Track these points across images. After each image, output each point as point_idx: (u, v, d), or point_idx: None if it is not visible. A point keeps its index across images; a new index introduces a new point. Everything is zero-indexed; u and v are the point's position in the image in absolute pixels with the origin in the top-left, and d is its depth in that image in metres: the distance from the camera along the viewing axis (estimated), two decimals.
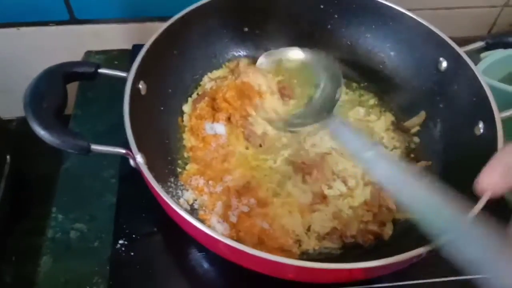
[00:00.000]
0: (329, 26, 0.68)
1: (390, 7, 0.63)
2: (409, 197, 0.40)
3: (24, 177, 0.86)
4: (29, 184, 0.84)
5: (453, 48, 0.58)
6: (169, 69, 0.61)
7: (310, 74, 0.66)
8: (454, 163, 0.56)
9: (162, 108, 0.60)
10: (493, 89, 0.55)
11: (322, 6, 0.66)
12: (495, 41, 0.57)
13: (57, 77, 0.47)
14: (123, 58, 0.80)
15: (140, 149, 0.46)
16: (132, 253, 0.53)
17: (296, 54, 0.67)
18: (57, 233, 0.58)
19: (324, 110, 0.60)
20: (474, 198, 0.43)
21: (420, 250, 0.40)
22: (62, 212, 0.60)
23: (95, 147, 0.45)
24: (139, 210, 0.57)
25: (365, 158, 0.47)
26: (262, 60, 0.67)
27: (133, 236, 0.54)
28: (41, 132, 0.42)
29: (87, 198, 0.61)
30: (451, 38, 0.59)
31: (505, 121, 0.51)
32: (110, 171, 0.64)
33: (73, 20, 0.78)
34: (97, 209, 0.60)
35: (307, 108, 0.63)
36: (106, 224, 0.58)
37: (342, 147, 0.58)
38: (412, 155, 0.62)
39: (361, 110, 0.65)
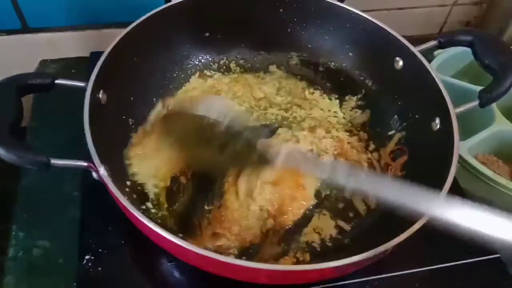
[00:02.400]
0: (289, 30, 0.69)
1: (347, 9, 0.64)
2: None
3: None
4: None
5: (408, 48, 0.60)
6: (130, 77, 0.60)
7: None
8: (415, 157, 0.58)
9: (124, 117, 0.59)
10: (447, 84, 0.58)
11: (281, 10, 0.67)
12: (446, 40, 0.59)
13: (11, 90, 0.45)
14: (80, 66, 0.78)
15: (103, 161, 0.45)
16: (99, 268, 0.51)
17: None
18: (19, 252, 0.56)
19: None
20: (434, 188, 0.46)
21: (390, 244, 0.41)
22: (23, 229, 0.58)
23: (55, 161, 0.43)
24: (104, 222, 0.56)
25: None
26: None
27: (100, 250, 0.53)
28: None
29: (49, 214, 0.59)
30: (405, 37, 0.61)
31: (460, 116, 0.54)
32: (72, 184, 0.62)
33: (26, 29, 0.75)
34: (60, 224, 0.58)
35: None
36: (70, 240, 0.56)
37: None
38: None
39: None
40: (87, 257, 0.52)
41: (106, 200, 0.45)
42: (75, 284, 0.52)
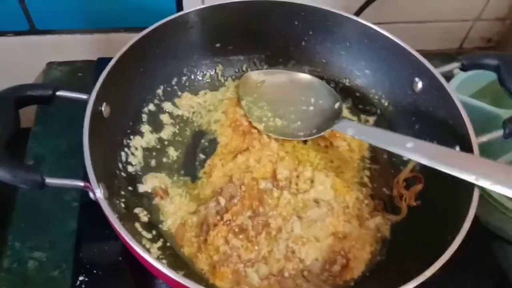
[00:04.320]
0: (303, 43, 0.66)
1: (365, 25, 0.61)
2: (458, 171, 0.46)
3: None
4: None
5: (428, 69, 0.57)
6: (134, 88, 0.58)
7: (295, 93, 0.65)
8: (431, 186, 0.55)
9: (128, 131, 0.57)
10: (467, 106, 0.54)
11: (296, 23, 0.64)
12: (470, 63, 0.56)
13: (8, 102, 0.43)
14: (87, 70, 0.77)
15: (102, 179, 0.43)
16: None
17: (281, 76, 0.66)
18: (13, 263, 0.55)
19: (325, 120, 0.60)
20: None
21: None
22: (19, 239, 0.56)
23: (50, 180, 0.41)
24: (102, 238, 0.54)
25: (407, 149, 0.50)
26: (250, 76, 0.66)
27: (94, 271, 0.51)
28: None
29: (46, 224, 0.58)
30: (423, 51, 0.58)
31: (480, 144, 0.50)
32: (72, 193, 0.60)
33: (34, 30, 0.74)
34: (58, 236, 0.57)
35: (303, 122, 0.62)
36: (67, 252, 0.55)
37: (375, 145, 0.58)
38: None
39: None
40: (80, 278, 0.50)
41: (105, 215, 0.43)
42: None
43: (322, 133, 0.60)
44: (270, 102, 0.64)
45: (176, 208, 0.54)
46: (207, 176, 0.57)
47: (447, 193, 0.50)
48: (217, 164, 0.58)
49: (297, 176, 0.57)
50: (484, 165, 0.47)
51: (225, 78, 0.67)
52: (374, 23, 0.61)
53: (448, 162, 0.48)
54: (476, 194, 0.45)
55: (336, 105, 0.62)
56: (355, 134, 0.56)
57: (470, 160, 0.48)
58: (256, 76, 0.66)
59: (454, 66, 0.57)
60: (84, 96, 0.48)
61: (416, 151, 0.50)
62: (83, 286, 0.50)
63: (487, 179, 0.45)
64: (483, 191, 0.59)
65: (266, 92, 0.65)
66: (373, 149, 0.62)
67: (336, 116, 0.61)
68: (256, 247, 0.50)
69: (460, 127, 0.52)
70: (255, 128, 0.62)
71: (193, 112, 0.64)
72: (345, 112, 0.66)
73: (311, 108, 0.63)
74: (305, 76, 0.66)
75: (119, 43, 0.54)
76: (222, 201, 0.53)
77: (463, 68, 0.57)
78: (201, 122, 0.64)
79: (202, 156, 0.60)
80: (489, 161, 0.48)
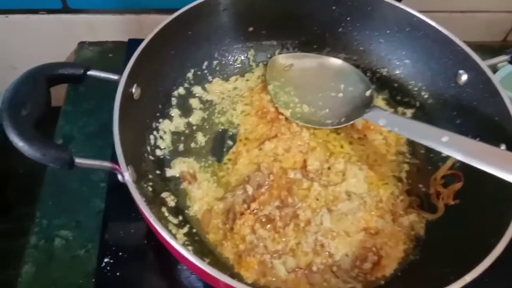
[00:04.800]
0: (340, 29, 0.63)
1: (408, 12, 0.58)
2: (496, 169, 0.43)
3: (6, 174, 0.82)
4: (13, 181, 0.81)
5: (474, 61, 0.53)
6: (165, 71, 0.56)
7: (324, 78, 0.63)
8: (471, 184, 0.52)
9: (158, 114, 0.56)
10: None
11: (334, 7, 0.61)
12: None
13: (40, 80, 0.42)
14: (118, 51, 0.76)
15: (130, 162, 0.42)
16: (118, 273, 0.49)
17: (310, 61, 0.64)
18: (40, 240, 0.55)
19: (355, 109, 0.58)
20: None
21: None
22: (47, 217, 0.57)
23: (79, 160, 0.41)
24: (128, 221, 0.53)
25: (442, 144, 0.47)
26: (277, 59, 0.64)
27: (120, 254, 0.50)
28: (19, 144, 0.38)
29: (73, 203, 0.58)
30: (465, 42, 0.55)
31: None
32: (99, 174, 0.60)
33: (66, 9, 0.73)
34: (84, 215, 0.57)
35: (332, 110, 0.60)
36: (93, 232, 0.55)
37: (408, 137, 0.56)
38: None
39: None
40: (106, 260, 0.50)
41: (132, 198, 0.42)
42: (93, 280, 0.50)
43: (351, 122, 0.58)
44: (297, 87, 0.62)
45: (203, 194, 0.53)
46: (233, 163, 0.56)
47: (489, 193, 0.47)
48: (242, 151, 0.57)
49: (328, 168, 0.55)
50: None
51: (257, 63, 0.66)
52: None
53: (485, 159, 0.45)
54: None
55: (368, 93, 0.60)
56: (387, 125, 0.53)
57: (509, 158, 0.45)
58: (284, 59, 0.64)
59: (502, 59, 0.54)
60: (115, 77, 0.47)
61: (451, 146, 0.47)
62: (108, 267, 0.50)
63: None
64: None
65: (294, 77, 0.63)
66: (411, 144, 0.59)
67: (367, 104, 0.58)
68: (284, 239, 0.49)
69: (507, 123, 0.49)
70: (282, 114, 0.60)
71: (223, 98, 0.63)
72: (381, 104, 0.63)
73: (341, 95, 0.61)
74: (335, 61, 0.64)
75: (150, 25, 0.54)
76: (250, 189, 0.52)
77: None
78: (227, 110, 0.62)
79: (230, 142, 0.59)
80: None
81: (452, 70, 0.56)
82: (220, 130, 0.60)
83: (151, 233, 0.43)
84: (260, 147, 0.56)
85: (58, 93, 0.69)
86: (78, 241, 0.55)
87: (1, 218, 0.77)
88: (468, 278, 0.37)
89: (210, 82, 0.63)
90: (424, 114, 0.60)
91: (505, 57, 0.54)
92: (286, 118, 0.59)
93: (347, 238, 0.49)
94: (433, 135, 0.49)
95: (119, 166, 0.41)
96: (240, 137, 0.58)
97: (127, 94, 0.47)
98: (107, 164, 0.42)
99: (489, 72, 0.52)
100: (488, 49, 0.83)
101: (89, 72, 0.46)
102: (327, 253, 0.48)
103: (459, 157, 0.46)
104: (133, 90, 0.49)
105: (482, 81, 0.53)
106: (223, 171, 0.56)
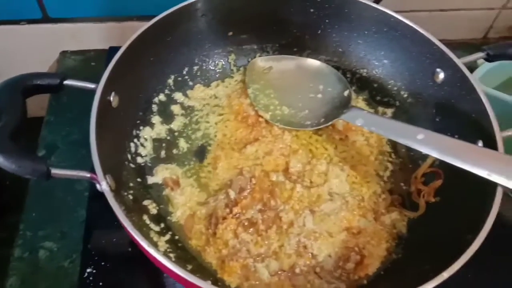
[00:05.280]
0: (319, 31, 0.63)
1: (385, 12, 0.58)
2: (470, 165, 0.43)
3: None
4: (2, 190, 0.80)
5: (451, 59, 0.54)
6: (145, 78, 0.56)
7: (303, 80, 0.63)
8: (451, 181, 0.52)
9: (138, 122, 0.56)
10: (491, 98, 0.51)
11: (312, 10, 0.62)
12: (496, 53, 0.53)
13: (16, 91, 0.42)
14: (100, 59, 0.76)
15: (109, 170, 0.42)
16: (101, 283, 0.49)
17: (289, 62, 0.64)
18: (24, 253, 0.55)
19: (334, 109, 0.58)
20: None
21: None
22: (31, 229, 0.56)
23: (56, 171, 0.40)
24: (110, 230, 0.52)
25: (418, 141, 0.48)
26: (256, 62, 0.64)
27: (102, 263, 0.50)
28: None
29: (58, 213, 0.58)
30: (445, 41, 0.55)
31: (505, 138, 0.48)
32: (83, 183, 0.60)
33: (47, 19, 0.73)
34: (69, 226, 0.56)
35: (311, 111, 0.60)
36: (77, 242, 0.54)
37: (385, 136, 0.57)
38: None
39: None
40: (88, 270, 0.50)
41: None
42: None
43: (330, 123, 0.58)
44: (277, 89, 0.62)
45: (186, 199, 0.53)
46: (213, 167, 0.56)
47: (468, 189, 0.47)
48: (220, 156, 0.56)
49: (311, 170, 0.55)
50: (498, 159, 0.44)
51: (238, 68, 0.66)
52: (394, 11, 0.58)
53: (460, 156, 0.45)
54: (499, 191, 0.43)
55: (346, 93, 0.60)
56: (364, 125, 0.54)
57: (484, 154, 0.45)
58: (263, 62, 0.65)
59: (478, 56, 0.55)
60: (92, 85, 0.47)
61: (427, 143, 0.48)
62: (91, 278, 0.49)
63: (501, 175, 0.42)
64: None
65: (273, 79, 0.63)
66: (393, 144, 0.60)
67: (345, 104, 0.59)
68: (266, 242, 0.49)
69: (484, 120, 0.50)
70: (262, 117, 0.60)
71: (204, 105, 0.62)
72: (362, 104, 0.64)
73: (319, 95, 0.61)
74: (313, 62, 0.64)
75: (132, 32, 0.53)
76: (232, 193, 0.52)
77: (488, 59, 0.55)
78: (201, 122, 0.61)
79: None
80: (504, 155, 0.45)
81: (430, 69, 0.57)
82: (199, 145, 0.59)
83: (133, 242, 0.43)
84: (241, 151, 0.56)
85: (41, 103, 0.69)
86: (62, 252, 0.54)
87: None
88: (446, 274, 0.37)
89: (191, 88, 0.63)
90: (404, 113, 0.61)
91: (481, 54, 0.54)
92: (267, 121, 0.59)
93: (330, 239, 0.49)
94: (409, 133, 0.49)
95: (96, 175, 0.41)
96: (217, 141, 0.58)
97: (104, 102, 0.47)
98: (84, 173, 0.42)
99: (465, 70, 0.53)
100: (469, 46, 0.84)
101: (65, 82, 0.46)
102: (310, 254, 0.48)
103: (434, 154, 0.47)
104: (111, 98, 0.49)
105: (459, 79, 0.53)
106: (205, 173, 0.56)
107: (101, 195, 0.42)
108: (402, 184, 0.57)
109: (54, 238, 0.55)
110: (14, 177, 0.77)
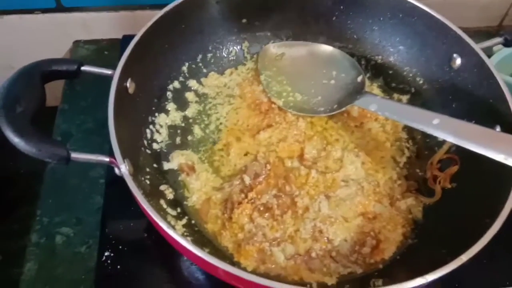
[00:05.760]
0: (334, 18, 0.63)
1: None
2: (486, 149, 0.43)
3: (9, 174, 0.82)
4: (15, 182, 0.81)
5: (468, 44, 0.53)
6: (159, 65, 0.57)
7: (315, 66, 0.63)
8: (468, 167, 0.52)
9: (153, 109, 0.56)
10: (509, 86, 0.51)
11: None
12: None
13: (34, 77, 0.42)
14: (113, 48, 0.76)
15: (127, 155, 0.42)
16: (118, 267, 0.49)
17: (301, 49, 0.64)
18: (41, 238, 0.55)
19: (347, 95, 0.58)
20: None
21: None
22: (47, 215, 0.57)
23: (75, 155, 0.41)
24: (127, 215, 0.53)
25: (433, 126, 0.47)
26: (269, 49, 0.64)
27: (120, 247, 0.51)
28: (15, 140, 0.38)
29: (73, 200, 0.58)
30: (461, 28, 0.55)
31: None
32: (98, 170, 0.60)
33: (60, 8, 0.73)
34: (84, 212, 0.57)
35: (324, 97, 0.60)
36: (93, 228, 0.55)
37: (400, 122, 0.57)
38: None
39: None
40: (106, 253, 0.50)
41: (130, 191, 0.42)
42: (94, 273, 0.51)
43: (343, 109, 0.58)
44: (290, 76, 0.62)
45: (202, 184, 0.53)
46: (226, 153, 0.56)
47: (485, 175, 0.47)
48: (232, 142, 0.56)
49: (326, 156, 0.55)
50: None
51: (252, 55, 0.65)
52: None
53: (475, 140, 0.45)
54: None
55: (359, 79, 0.60)
56: (378, 110, 0.53)
57: (500, 138, 0.45)
58: (275, 49, 0.64)
59: (496, 41, 0.54)
60: (109, 72, 0.47)
61: (442, 128, 0.47)
62: (109, 261, 0.50)
63: None
64: None
65: (286, 66, 0.63)
66: (409, 130, 0.59)
67: (358, 90, 0.58)
68: (282, 226, 0.49)
69: (502, 106, 0.49)
70: (275, 104, 0.60)
71: (217, 92, 0.62)
72: (377, 91, 0.63)
73: (332, 81, 0.61)
74: (326, 48, 0.64)
75: (145, 21, 0.53)
76: (247, 179, 0.52)
77: (506, 44, 0.54)
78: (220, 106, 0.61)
79: None
80: None
81: (446, 55, 0.56)
82: (213, 131, 0.59)
83: (150, 226, 0.43)
84: (254, 137, 0.56)
85: (55, 93, 0.70)
86: (79, 237, 0.55)
87: (4, 219, 0.78)
88: (464, 257, 0.37)
89: (205, 75, 0.63)
90: (420, 100, 0.60)
91: (498, 40, 0.54)
92: (280, 108, 0.59)
93: (345, 224, 0.49)
94: (424, 118, 0.49)
95: (115, 159, 0.41)
96: (228, 128, 0.58)
97: (121, 89, 0.47)
98: (103, 158, 0.42)
99: (483, 55, 0.52)
100: (484, 34, 0.83)
101: (83, 68, 0.46)
102: (325, 239, 0.48)
103: (450, 139, 0.47)
104: (128, 84, 0.49)
105: (476, 64, 0.53)
106: (218, 157, 0.56)
107: (118, 181, 0.43)
108: (418, 170, 0.56)
109: (70, 224, 0.56)
110: (26, 171, 0.78)
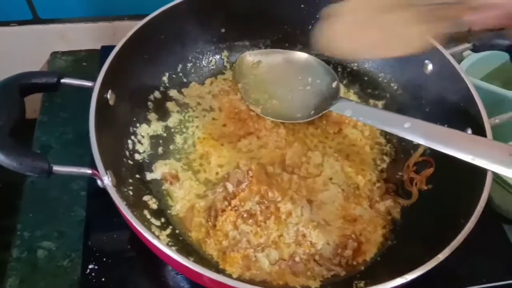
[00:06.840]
0: (310, 27, 0.64)
1: None
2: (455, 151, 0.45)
3: None
4: None
5: (438, 50, 0.55)
6: (140, 76, 0.57)
7: (291, 73, 0.64)
8: (442, 169, 0.54)
9: (134, 119, 0.56)
10: (478, 89, 0.53)
11: (302, 6, 0.63)
12: (482, 44, 0.55)
13: (13, 90, 0.42)
14: (92, 59, 0.76)
15: (109, 167, 0.43)
16: (103, 279, 0.49)
17: (277, 56, 0.65)
18: (23, 253, 0.54)
19: (323, 101, 0.59)
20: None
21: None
22: (28, 229, 0.56)
23: (57, 168, 0.41)
24: (110, 227, 0.53)
25: (405, 130, 0.49)
26: (245, 57, 0.65)
27: (104, 259, 0.50)
28: None
29: (55, 213, 0.58)
30: None
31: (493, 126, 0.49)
32: (79, 182, 0.60)
33: (37, 20, 0.73)
34: (66, 225, 0.56)
35: (301, 103, 0.61)
36: (75, 241, 0.54)
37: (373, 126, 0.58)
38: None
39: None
40: (90, 266, 0.50)
41: (113, 203, 0.42)
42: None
43: (320, 114, 0.59)
44: (267, 83, 0.63)
45: (185, 192, 0.53)
46: (206, 162, 0.57)
47: (459, 176, 0.49)
48: (209, 151, 0.57)
49: (307, 162, 0.56)
50: (481, 144, 0.46)
51: (231, 64, 0.66)
52: None
53: (445, 142, 0.47)
54: (489, 177, 0.44)
55: (334, 84, 0.61)
56: (353, 115, 0.55)
57: (469, 140, 0.47)
58: (251, 57, 0.65)
59: (465, 47, 0.57)
60: (89, 83, 0.47)
61: (413, 131, 0.49)
62: (93, 274, 0.50)
63: (484, 159, 0.44)
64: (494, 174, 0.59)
65: (263, 73, 0.64)
66: (386, 135, 0.61)
67: (334, 96, 0.60)
68: (266, 232, 0.50)
69: (472, 109, 0.51)
70: (253, 111, 0.60)
71: (198, 102, 0.63)
72: (353, 97, 0.65)
73: (308, 88, 0.62)
74: (301, 55, 0.65)
75: (123, 31, 0.53)
76: (230, 186, 0.52)
77: (475, 49, 0.56)
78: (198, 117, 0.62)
79: None
80: (487, 140, 0.47)
81: (418, 61, 0.58)
82: (192, 141, 0.59)
83: (134, 237, 0.43)
84: (233, 145, 0.57)
85: (34, 105, 0.69)
86: (61, 251, 0.54)
87: None
88: (441, 256, 0.39)
89: (186, 85, 0.63)
90: (395, 105, 0.62)
91: (467, 45, 0.56)
92: (259, 115, 0.60)
93: (328, 227, 0.51)
94: (396, 121, 0.51)
95: (97, 171, 0.41)
96: (208, 137, 0.59)
97: (102, 101, 0.48)
98: (85, 170, 0.42)
99: (452, 60, 0.54)
100: (453, 40, 0.86)
101: (62, 80, 0.46)
102: (309, 243, 0.49)
103: (421, 141, 0.48)
104: (108, 96, 0.49)
105: (447, 70, 0.55)
106: (197, 165, 0.56)
107: (100, 192, 0.43)
108: (395, 173, 0.58)
109: (52, 238, 0.55)
110: (5, 182, 0.77)
